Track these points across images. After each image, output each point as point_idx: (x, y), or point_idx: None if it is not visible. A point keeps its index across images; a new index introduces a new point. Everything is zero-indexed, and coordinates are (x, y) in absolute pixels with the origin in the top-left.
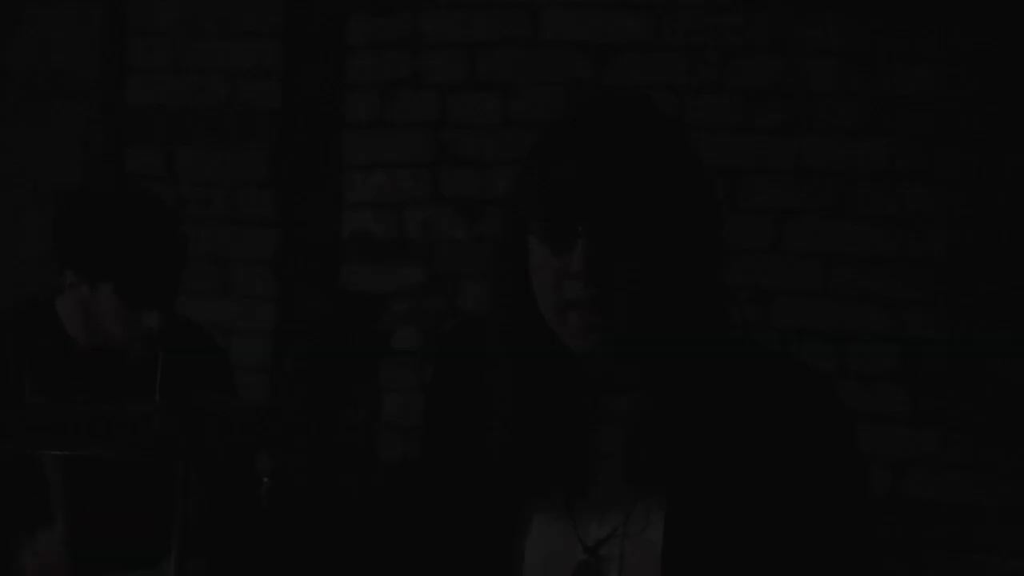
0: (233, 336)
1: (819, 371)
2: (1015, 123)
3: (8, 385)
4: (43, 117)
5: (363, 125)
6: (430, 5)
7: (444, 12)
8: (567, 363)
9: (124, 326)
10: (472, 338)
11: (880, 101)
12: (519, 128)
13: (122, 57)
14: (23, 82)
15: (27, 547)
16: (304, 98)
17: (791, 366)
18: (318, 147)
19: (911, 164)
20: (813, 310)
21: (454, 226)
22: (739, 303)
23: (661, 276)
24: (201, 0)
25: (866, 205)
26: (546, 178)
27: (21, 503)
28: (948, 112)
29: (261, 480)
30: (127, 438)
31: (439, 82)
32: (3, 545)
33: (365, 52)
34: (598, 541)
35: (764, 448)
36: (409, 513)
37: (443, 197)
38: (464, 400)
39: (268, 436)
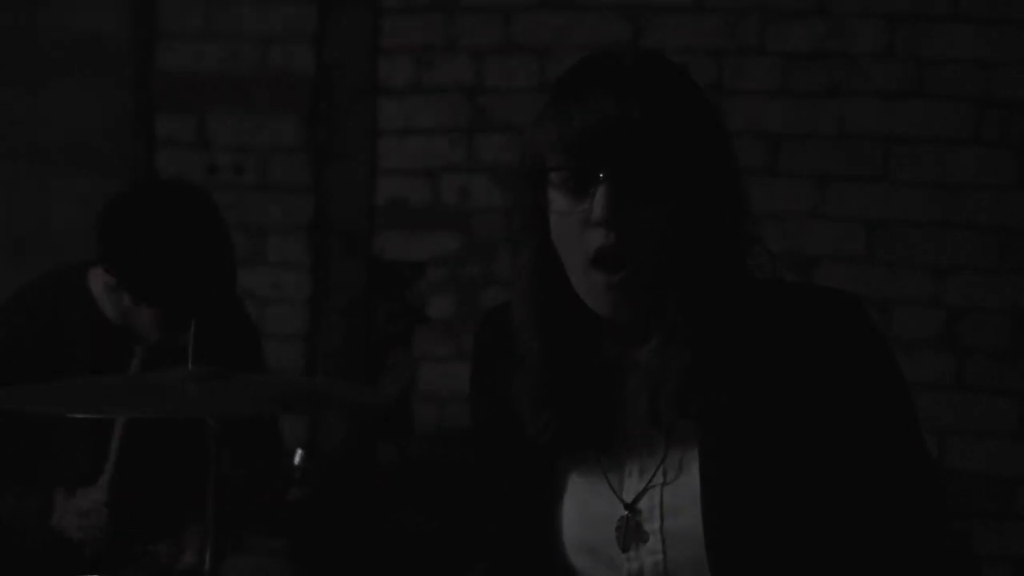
0: (268, 304)
1: (845, 292)
2: None
3: (41, 355)
4: (73, 83)
5: (397, 90)
6: None
7: None
8: (590, 319)
9: (159, 338)
10: (507, 316)
11: (924, 63)
12: None
13: (153, 22)
14: (53, 48)
15: (67, 505)
16: (337, 63)
17: (816, 290)
18: (352, 113)
19: (955, 127)
20: (856, 276)
21: (490, 193)
22: (765, 245)
23: (685, 215)
24: None
25: (910, 170)
26: (565, 125)
27: (62, 463)
28: (994, 74)
29: (294, 451)
30: (159, 405)
31: (474, 46)
32: (43, 502)
33: (399, 16)
34: (636, 495)
35: (794, 374)
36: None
37: (479, 163)
38: (500, 376)
39: (301, 407)
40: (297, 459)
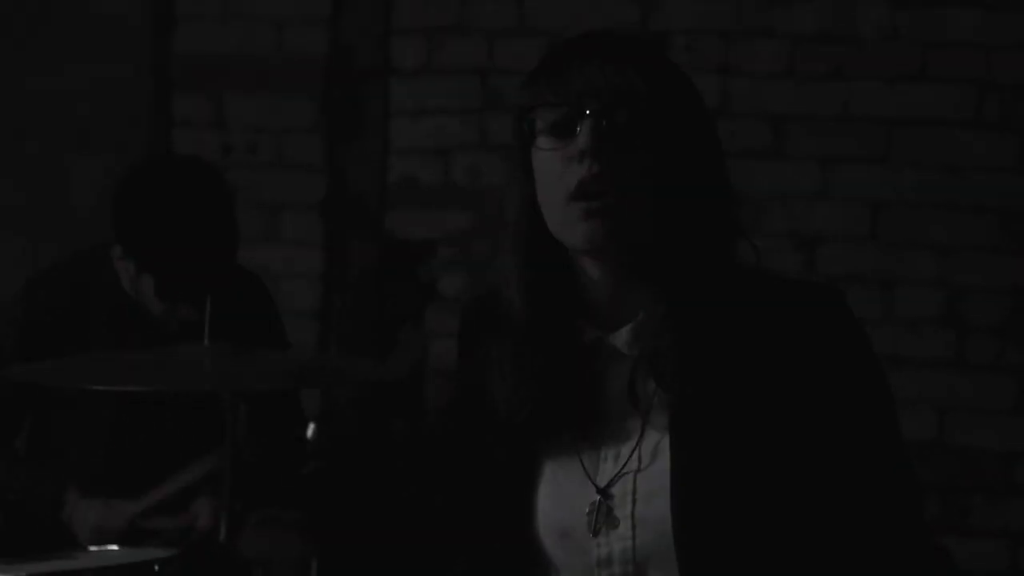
0: (282, 281)
1: (830, 286)
2: None
3: (64, 332)
4: (93, 64)
5: (410, 71)
6: None
7: None
8: (572, 301)
9: (160, 311)
10: (494, 301)
11: (928, 47)
12: None
13: (171, 5)
14: (74, 29)
15: (82, 509)
16: (350, 45)
17: (801, 283)
18: (365, 94)
19: (958, 110)
20: (859, 256)
21: (501, 172)
22: (750, 238)
23: (665, 170)
24: None
25: (913, 151)
26: (553, 73)
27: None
28: (997, 57)
29: (307, 423)
30: (179, 379)
31: (486, 27)
32: (55, 496)
33: None
34: (610, 479)
35: (773, 365)
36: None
37: (490, 143)
38: (481, 354)
39: (314, 383)
40: (310, 433)
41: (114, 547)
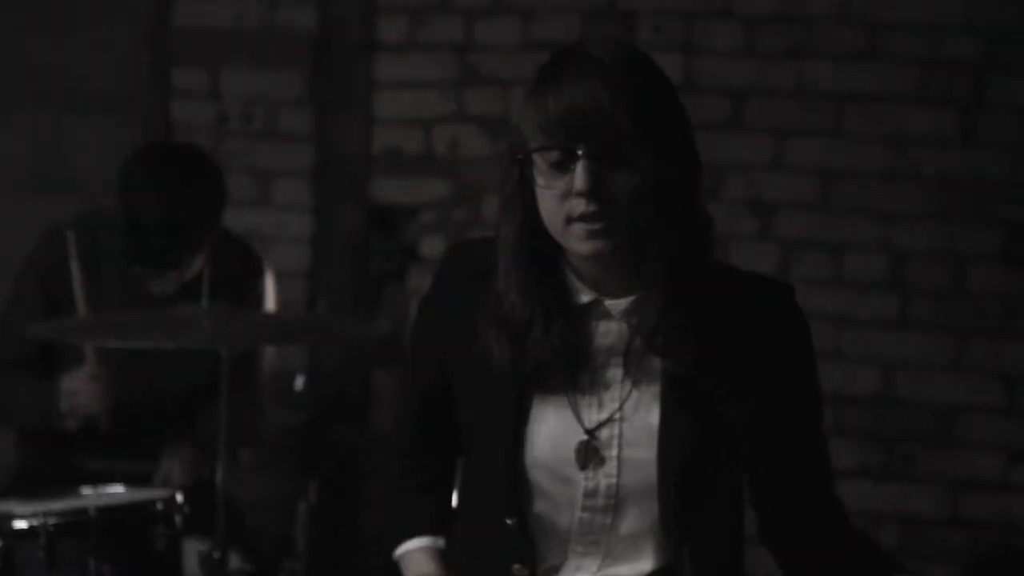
0: (273, 243)
1: (783, 282)
2: (999, 48)
3: (68, 289)
4: (98, 35)
5: (394, 47)
6: None
7: None
8: (569, 278)
9: (151, 275)
10: (471, 254)
11: (876, 28)
12: (538, 51)
13: None
14: (79, 4)
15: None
16: (338, 21)
17: (761, 278)
18: (351, 68)
19: (904, 87)
20: (810, 222)
21: (478, 143)
22: (714, 227)
23: (654, 183)
24: None
25: (861, 125)
26: (543, 111)
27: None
28: (940, 38)
29: (295, 377)
30: (180, 337)
31: (465, 7)
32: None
33: None
34: (598, 423)
35: (737, 341)
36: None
37: (468, 115)
38: (463, 305)
39: (304, 339)
40: (299, 385)
41: (120, 488)
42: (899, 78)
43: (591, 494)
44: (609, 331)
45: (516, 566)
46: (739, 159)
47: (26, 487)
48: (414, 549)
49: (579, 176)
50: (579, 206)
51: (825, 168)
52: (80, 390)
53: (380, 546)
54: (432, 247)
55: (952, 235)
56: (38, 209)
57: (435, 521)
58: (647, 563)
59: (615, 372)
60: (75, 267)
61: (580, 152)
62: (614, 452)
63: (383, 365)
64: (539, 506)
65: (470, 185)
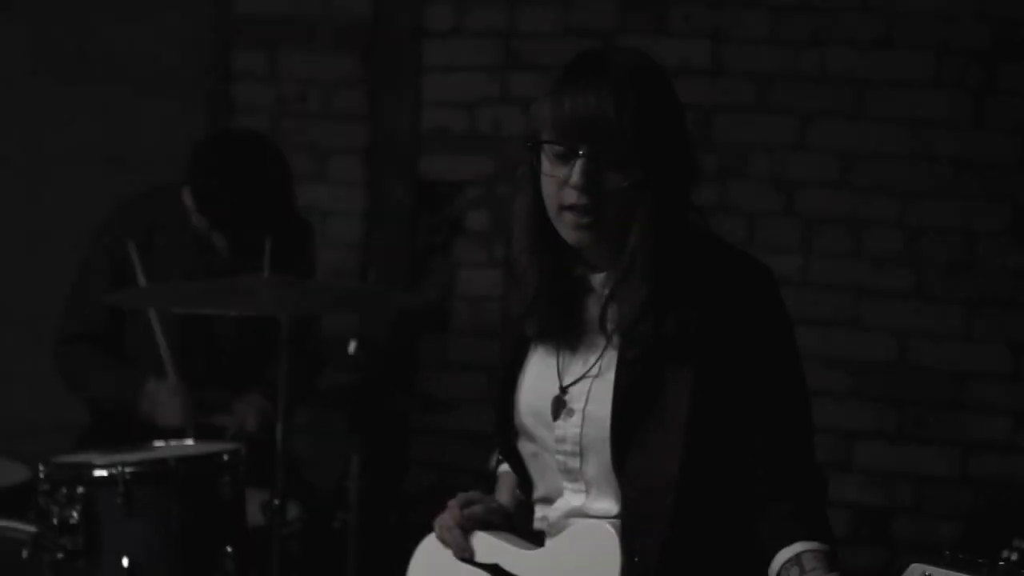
0: (327, 217)
1: (760, 262)
2: (1008, 37)
3: (143, 258)
4: (164, 20)
5: (441, 34)
6: None
7: None
8: (566, 252)
9: (228, 255)
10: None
11: (896, 17)
12: (577, 37)
13: None
14: None
15: (153, 394)
16: (390, 9)
17: (739, 255)
18: (402, 52)
19: (920, 73)
20: (831, 200)
21: (520, 123)
22: (704, 213)
23: (642, 187)
24: None
25: (880, 109)
26: (557, 111)
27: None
28: (953, 27)
29: (349, 342)
30: (243, 304)
31: None
32: (136, 389)
33: None
34: (572, 381)
35: (709, 311)
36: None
37: (510, 97)
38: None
39: (355, 306)
40: (351, 349)
41: (189, 441)
42: (915, 65)
43: (561, 441)
44: (593, 300)
45: (516, 491)
46: (764, 140)
47: (101, 440)
48: (506, 472)
49: (576, 171)
50: (571, 196)
51: (845, 149)
52: (163, 402)
53: (427, 500)
54: (477, 220)
55: (964, 212)
56: (107, 185)
57: None
58: (616, 504)
59: (594, 334)
60: (133, 248)
61: (581, 152)
62: (581, 406)
63: (429, 331)
64: (530, 446)
65: (512, 162)
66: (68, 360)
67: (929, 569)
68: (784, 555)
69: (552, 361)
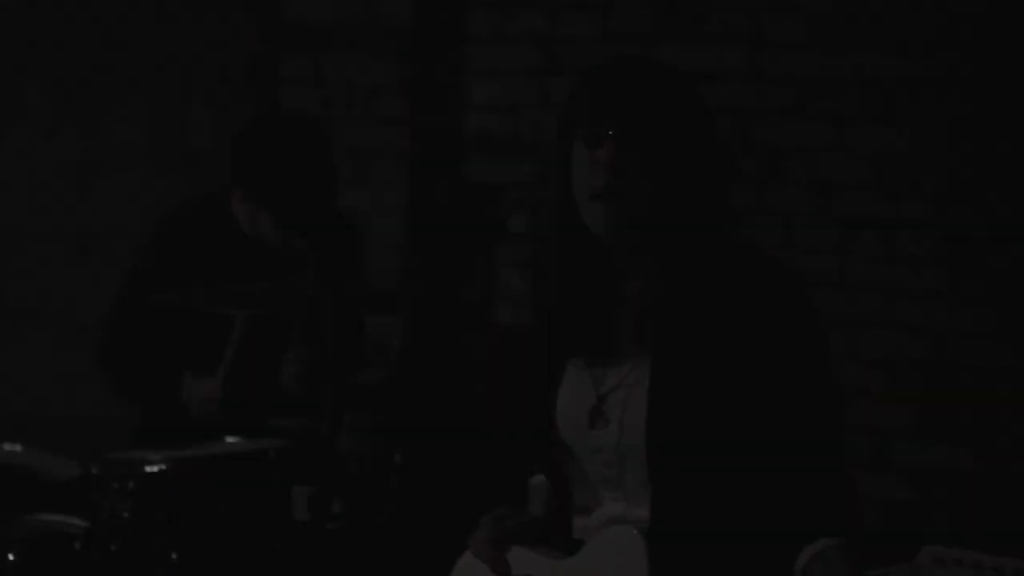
0: (370, 219)
1: (791, 268)
2: None
3: (191, 264)
4: (214, 26)
5: (484, 38)
6: None
7: None
8: (598, 256)
9: (276, 242)
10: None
11: (932, 22)
12: (616, 42)
13: None
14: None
15: (192, 387)
16: (433, 14)
17: (772, 261)
18: (445, 57)
19: (959, 76)
20: (865, 201)
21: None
22: (735, 215)
23: (668, 175)
24: None
25: (915, 113)
26: (588, 91)
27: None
28: (980, 32)
29: (389, 340)
30: (287, 303)
31: (549, 2)
32: (175, 381)
33: None
34: (608, 390)
35: (740, 321)
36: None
37: (551, 102)
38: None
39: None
40: (395, 349)
41: (236, 439)
42: (952, 68)
43: (598, 450)
44: (627, 311)
45: (551, 502)
46: (801, 142)
47: (153, 438)
48: (538, 484)
49: (606, 148)
50: (600, 177)
51: (880, 151)
52: (213, 398)
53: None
54: (518, 222)
55: (997, 211)
56: (156, 185)
57: None
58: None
59: (629, 343)
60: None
61: (611, 133)
62: (617, 415)
63: (471, 331)
64: (567, 457)
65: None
66: (113, 366)
67: (940, 550)
68: (809, 551)
69: (586, 372)
